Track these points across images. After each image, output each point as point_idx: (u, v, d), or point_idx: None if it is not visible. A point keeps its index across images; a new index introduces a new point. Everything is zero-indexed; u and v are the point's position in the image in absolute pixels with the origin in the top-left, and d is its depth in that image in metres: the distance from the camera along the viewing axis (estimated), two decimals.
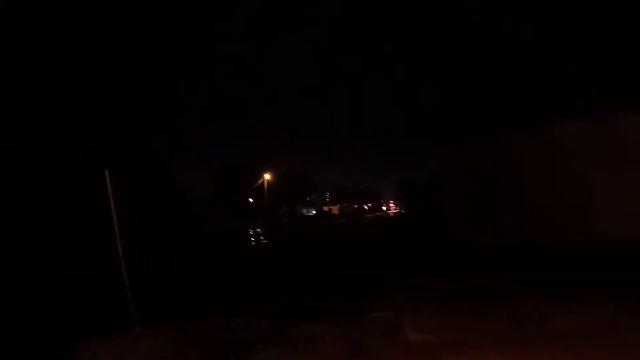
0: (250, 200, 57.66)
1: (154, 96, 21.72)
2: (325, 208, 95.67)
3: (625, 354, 4.91)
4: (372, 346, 5.61)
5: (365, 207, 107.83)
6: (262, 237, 29.58)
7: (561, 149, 14.72)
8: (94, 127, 15.81)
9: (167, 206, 21.09)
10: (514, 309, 6.65)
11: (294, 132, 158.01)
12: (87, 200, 12.19)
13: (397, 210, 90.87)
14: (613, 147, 13.49)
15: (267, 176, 52.51)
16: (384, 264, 12.98)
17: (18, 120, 13.14)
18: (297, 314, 7.22)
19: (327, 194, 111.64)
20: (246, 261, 16.73)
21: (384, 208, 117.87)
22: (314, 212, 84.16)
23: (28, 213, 12.39)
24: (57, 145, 13.91)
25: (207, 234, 30.42)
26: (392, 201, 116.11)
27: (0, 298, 8.37)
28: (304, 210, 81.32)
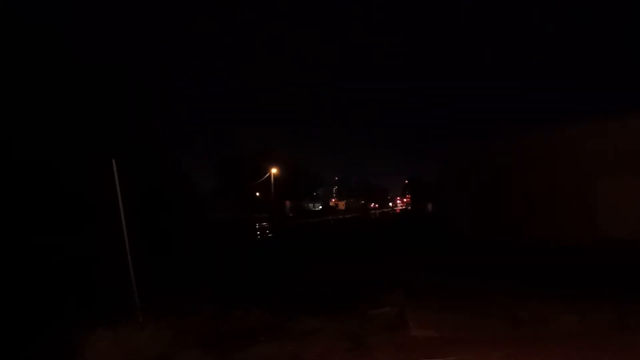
0: (257, 194, 57.77)
1: (155, 82, 21.93)
2: (331, 203, 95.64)
3: (624, 357, 4.86)
4: (373, 342, 5.61)
5: (372, 205, 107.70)
6: (267, 231, 29.61)
7: (566, 150, 14.63)
8: (93, 112, 15.92)
9: (169, 194, 21.10)
10: (515, 308, 6.64)
11: (301, 127, 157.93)
12: (85, 182, 12.22)
13: (404, 207, 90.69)
14: (618, 150, 13.40)
15: (273, 170, 52.54)
16: (386, 259, 12.97)
17: (15, 102, 13.24)
18: (297, 307, 7.24)
19: (334, 189, 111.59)
20: (250, 253, 16.77)
21: (390, 204, 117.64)
22: (320, 207, 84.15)
23: (26, 193, 12.42)
24: (56, 126, 14.01)
25: (211, 224, 30.42)
26: (398, 198, 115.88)
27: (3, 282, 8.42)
28: (310, 205, 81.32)
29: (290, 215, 55.83)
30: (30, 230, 11.60)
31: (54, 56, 15.29)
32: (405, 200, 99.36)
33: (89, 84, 16.62)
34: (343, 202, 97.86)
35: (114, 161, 6.57)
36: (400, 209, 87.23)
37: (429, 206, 41.40)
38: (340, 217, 55.67)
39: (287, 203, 59.48)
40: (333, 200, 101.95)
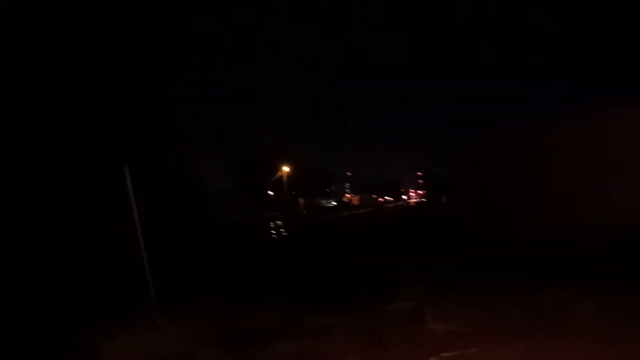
0: (271, 193, 57.99)
1: (161, 82, 22.35)
2: (345, 198, 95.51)
3: None
4: (391, 337, 5.57)
5: (387, 198, 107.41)
6: (282, 229, 29.66)
7: (580, 139, 14.37)
8: (105, 111, 16.26)
9: (180, 193, 21.29)
10: (534, 299, 6.55)
11: (312, 123, 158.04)
12: (99, 179, 12.42)
13: (418, 199, 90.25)
14: (634, 138, 13.15)
15: (285, 168, 52.64)
16: (400, 254, 12.91)
17: (33, 93, 13.71)
18: (314, 304, 7.21)
19: (347, 184, 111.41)
20: (265, 251, 16.83)
21: (404, 197, 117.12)
22: (334, 202, 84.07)
23: (43, 183, 12.70)
24: (70, 116, 14.38)
25: (223, 223, 30.57)
26: (412, 190, 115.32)
27: (19, 282, 8.53)
28: (324, 202, 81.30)
29: (304, 212, 55.86)
30: (44, 219, 11.82)
31: (69, 59, 15.68)
32: (419, 192, 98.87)
33: (99, 84, 17.02)
34: (357, 197, 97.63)
35: (125, 167, 6.59)
36: (415, 202, 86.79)
37: (443, 198, 41.30)
38: (355, 212, 55.62)
39: (301, 200, 59.54)
40: (347, 195, 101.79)
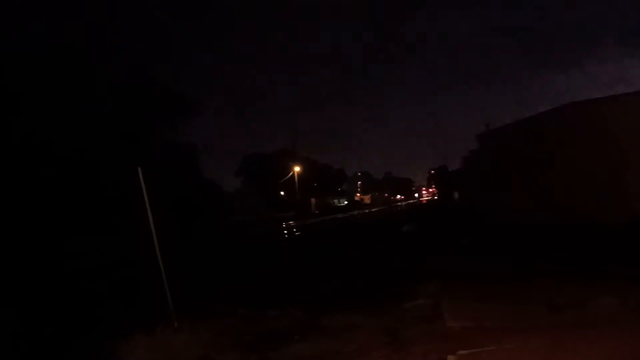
0: (282, 193, 58.04)
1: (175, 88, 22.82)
2: (356, 197, 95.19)
3: None
4: (410, 335, 5.55)
5: (398, 197, 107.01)
6: (294, 229, 29.68)
7: (596, 126, 14.16)
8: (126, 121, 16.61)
9: (197, 200, 21.51)
10: (552, 293, 6.45)
11: (323, 122, 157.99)
12: (121, 189, 12.65)
13: (430, 197, 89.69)
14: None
15: (297, 168, 52.61)
16: (417, 250, 12.85)
17: (58, 111, 14.09)
18: (331, 304, 7.21)
19: (359, 183, 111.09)
20: (279, 252, 16.84)
21: (416, 195, 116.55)
22: (346, 202, 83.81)
23: (69, 197, 12.97)
24: (90, 129, 14.72)
25: (238, 225, 30.71)
26: (424, 188, 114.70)
27: (40, 287, 8.65)
28: (336, 201, 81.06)
29: (316, 212, 55.79)
30: (68, 232, 12.05)
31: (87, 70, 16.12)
32: (430, 190, 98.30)
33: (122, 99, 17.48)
34: (368, 196, 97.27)
35: (139, 169, 6.68)
36: (427, 199, 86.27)
37: (455, 195, 41.03)
38: (366, 210, 55.44)
39: (313, 200, 59.49)
40: (358, 194, 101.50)
